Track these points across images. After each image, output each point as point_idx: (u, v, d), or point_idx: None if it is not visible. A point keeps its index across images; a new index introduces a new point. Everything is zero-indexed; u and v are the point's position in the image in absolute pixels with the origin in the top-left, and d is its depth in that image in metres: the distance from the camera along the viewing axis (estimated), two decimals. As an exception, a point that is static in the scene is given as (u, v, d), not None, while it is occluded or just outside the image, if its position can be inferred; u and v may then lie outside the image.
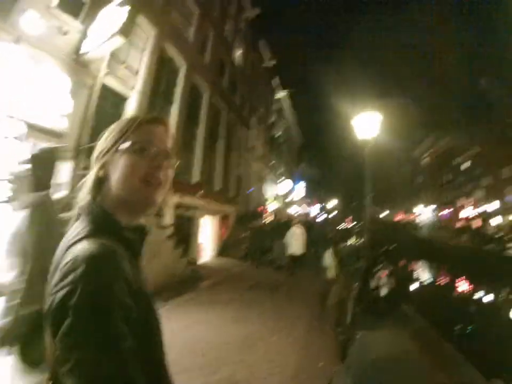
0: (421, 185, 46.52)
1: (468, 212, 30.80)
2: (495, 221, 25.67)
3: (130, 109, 7.57)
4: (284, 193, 25.72)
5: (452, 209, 35.45)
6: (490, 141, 27.57)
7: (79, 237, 0.65)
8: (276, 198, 23.57)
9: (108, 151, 0.74)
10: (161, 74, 9.01)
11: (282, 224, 14.16)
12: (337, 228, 32.17)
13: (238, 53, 16.26)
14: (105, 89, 6.86)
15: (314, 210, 39.81)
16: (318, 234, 13.08)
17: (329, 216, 47.19)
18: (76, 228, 0.69)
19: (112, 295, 0.57)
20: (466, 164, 32.86)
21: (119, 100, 7.51)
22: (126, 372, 0.54)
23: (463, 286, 15.97)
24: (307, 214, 21.67)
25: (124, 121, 0.78)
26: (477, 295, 14.26)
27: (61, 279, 0.58)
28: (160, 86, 9.05)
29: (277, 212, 20.33)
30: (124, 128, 0.75)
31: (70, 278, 0.57)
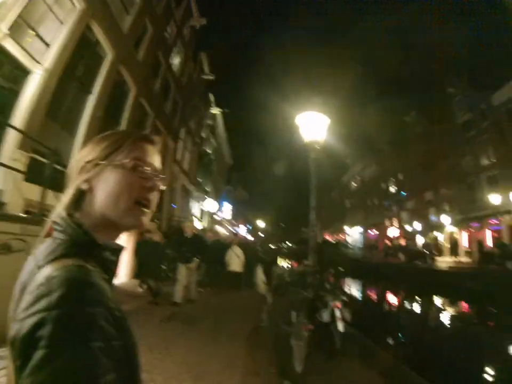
0: (350, 207, 50.01)
1: (394, 231, 33.78)
2: (420, 240, 28.43)
3: (33, 87, 6.21)
4: (210, 212, 24.85)
5: (378, 230, 38.53)
6: (412, 169, 31.09)
7: (53, 256, 0.56)
8: (202, 216, 22.56)
9: (96, 164, 0.65)
10: (80, 57, 7.74)
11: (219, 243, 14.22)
12: (268, 248, 32.28)
13: (177, 59, 15.55)
14: (2, 54, 5.51)
15: (241, 231, 39.52)
16: (251, 254, 12.53)
17: (258, 236, 47.44)
18: (48, 246, 0.59)
19: (93, 324, 0.49)
20: (392, 189, 36.33)
21: (19, 73, 6.11)
22: None
23: (392, 299, 17.04)
24: (236, 234, 21.05)
25: (116, 135, 0.71)
26: (406, 307, 15.33)
27: (32, 304, 0.49)
28: (76, 69, 7.76)
29: (204, 231, 19.31)
30: (119, 141, 0.68)
31: (43, 303, 0.48)
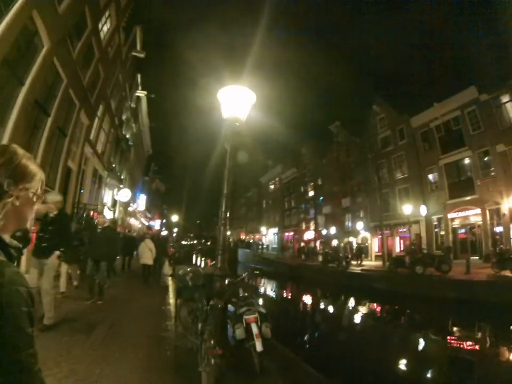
0: (267, 208, 50.81)
1: (310, 234, 35.35)
2: (335, 244, 30.25)
3: None
4: (123, 202, 22.54)
5: (294, 232, 39.95)
6: (331, 175, 33.01)
7: None
8: (115, 205, 20.29)
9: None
10: None
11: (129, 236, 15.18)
12: (180, 243, 30.71)
13: (106, 26, 13.55)
14: None
15: (156, 224, 37.10)
16: (161, 249, 12.07)
17: (172, 231, 45.19)
18: None
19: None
20: (310, 193, 38.05)
21: None
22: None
23: (307, 300, 17.67)
24: (149, 228, 19.43)
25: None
26: (317, 305, 16.07)
27: None
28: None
29: (115, 221, 17.25)
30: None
31: None
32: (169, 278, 12.18)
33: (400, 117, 25.55)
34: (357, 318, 13.48)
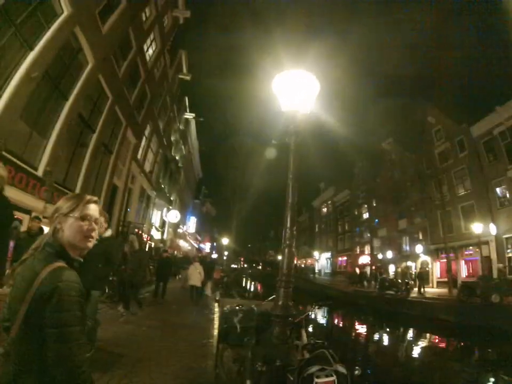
0: (320, 232, 48.97)
1: (365, 259, 33.02)
2: (393, 269, 28.00)
3: None
4: (173, 223, 22.75)
5: (348, 256, 37.71)
6: (386, 196, 30.73)
7: (49, 261, 1.15)
8: (164, 226, 20.45)
9: (65, 215, 1.24)
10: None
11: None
12: (230, 267, 30.17)
13: (152, 48, 14.02)
14: None
15: (206, 247, 37.24)
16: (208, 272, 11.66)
17: (223, 254, 45.19)
18: (43, 255, 1.18)
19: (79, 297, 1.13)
20: (365, 215, 35.75)
21: None
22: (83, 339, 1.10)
23: (361, 329, 15.94)
24: (199, 250, 19.17)
25: (75, 198, 1.31)
26: (372, 336, 14.31)
27: (49, 284, 1.09)
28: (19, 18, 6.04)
29: (162, 242, 17.35)
30: (77, 202, 1.28)
31: (56, 283, 1.09)
32: (216, 304, 11.17)
33: (458, 127, 22.79)
34: (415, 353, 11.61)
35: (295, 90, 3.27)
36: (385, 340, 13.84)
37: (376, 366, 9.21)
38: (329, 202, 46.08)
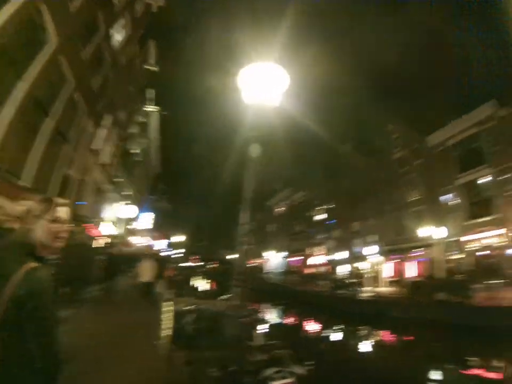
0: (273, 232, 49.11)
1: (318, 259, 33.85)
2: (345, 269, 29.19)
3: None
4: (127, 218, 21.69)
5: (301, 256, 38.31)
6: (342, 198, 31.80)
7: (23, 262, 1.23)
8: (116, 221, 19.41)
9: (38, 216, 1.36)
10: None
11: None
12: (182, 265, 29.42)
13: (120, 34, 13.25)
14: None
15: (160, 244, 36.01)
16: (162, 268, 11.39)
17: (175, 252, 43.91)
18: (14, 255, 1.26)
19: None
20: (320, 216, 36.51)
21: None
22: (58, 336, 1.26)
23: (311, 326, 16.39)
24: (151, 247, 18.49)
25: (47, 201, 1.42)
26: (326, 334, 14.85)
27: (27, 284, 1.18)
28: None
29: (115, 237, 16.44)
30: (48, 206, 1.40)
31: (34, 282, 1.21)
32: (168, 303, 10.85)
33: (416, 136, 24.64)
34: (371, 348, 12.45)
35: (262, 83, 3.16)
36: (340, 337, 14.49)
37: (331, 363, 9.61)
38: (284, 202, 46.51)
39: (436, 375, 9.51)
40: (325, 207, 35.69)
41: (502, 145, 18.17)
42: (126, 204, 21.17)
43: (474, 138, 20.07)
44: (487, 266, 18.06)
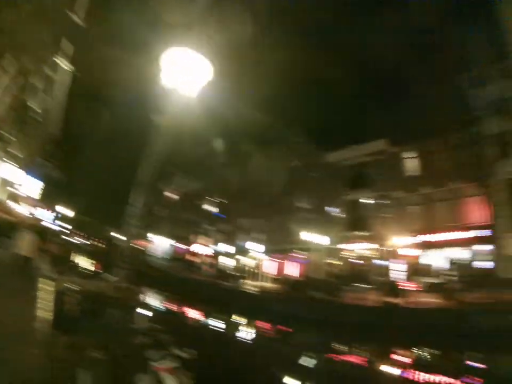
0: (162, 216, 47.03)
1: (205, 249, 34.02)
2: (230, 261, 30.40)
3: None
4: (9, 181, 18.67)
5: (190, 245, 37.92)
6: (235, 194, 32.40)
7: None
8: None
9: None
10: None
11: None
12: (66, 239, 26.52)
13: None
14: None
15: (45, 215, 31.66)
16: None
17: (61, 226, 39.00)
18: None
19: None
20: (212, 208, 36.90)
21: None
22: None
23: (194, 313, 16.64)
24: (35, 217, 16.33)
25: None
26: (208, 322, 15.32)
27: None
28: None
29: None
30: None
31: None
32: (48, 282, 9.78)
33: (316, 151, 27.34)
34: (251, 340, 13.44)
35: (184, 70, 3.13)
36: (221, 326, 15.21)
37: (212, 349, 10.10)
38: (179, 188, 44.80)
39: (307, 360, 10.97)
40: (218, 200, 36.15)
41: (385, 176, 22.11)
42: (12, 164, 18.27)
43: (365, 165, 23.74)
44: (358, 272, 21.76)
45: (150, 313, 12.16)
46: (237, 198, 32.27)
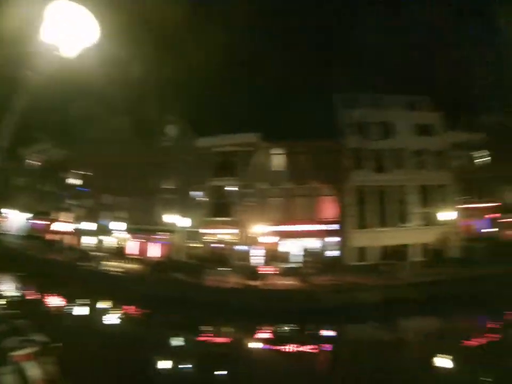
0: (22, 187, 38.66)
1: (65, 226, 29.73)
2: (91, 240, 27.89)
3: None
4: None
5: (48, 221, 32.52)
6: (104, 169, 28.83)
7: None
8: None
9: None
10: None
11: None
12: None
13: None
14: None
15: None
16: None
17: None
18: None
19: None
20: (74, 181, 32.17)
21: None
22: None
23: (54, 300, 15.12)
24: None
25: None
26: (69, 308, 14.03)
27: None
28: None
29: None
30: None
31: None
32: None
33: (190, 133, 26.82)
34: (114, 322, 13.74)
35: (66, 27, 2.68)
36: (85, 311, 14.34)
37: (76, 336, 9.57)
38: (42, 157, 37.79)
39: (175, 341, 11.44)
40: (82, 172, 32.27)
41: (251, 167, 23.75)
42: None
43: (233, 154, 24.67)
44: (220, 256, 22.88)
45: (3, 300, 10.46)
46: (102, 171, 28.69)
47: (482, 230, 24.03)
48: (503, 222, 24.16)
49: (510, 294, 12.18)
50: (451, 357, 10.04)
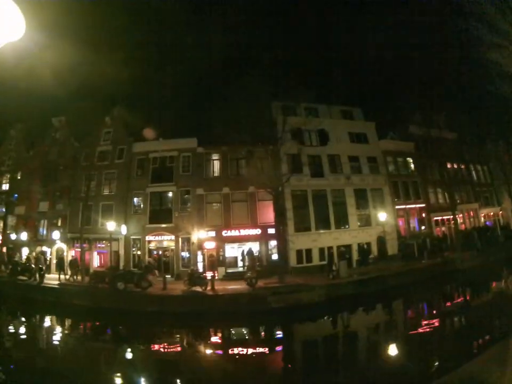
0: None
1: None
2: (26, 252, 25.55)
3: None
4: None
5: None
6: (34, 172, 27.40)
7: None
8: None
9: None
10: None
11: None
12: None
13: None
14: None
15: None
16: None
17: None
18: None
19: None
20: (3, 186, 29.40)
21: None
22: None
23: None
24: None
25: None
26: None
27: None
28: None
29: None
30: None
31: None
32: None
33: (126, 138, 25.93)
34: (60, 339, 12.99)
35: None
36: (21, 329, 13.58)
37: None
38: None
39: (125, 353, 10.78)
40: (14, 177, 29.11)
41: (189, 173, 23.69)
42: None
43: (171, 160, 24.31)
44: (161, 263, 22.52)
45: None
46: (36, 177, 26.85)
47: (416, 228, 26.71)
48: (431, 220, 27.21)
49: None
50: (396, 345, 10.84)
